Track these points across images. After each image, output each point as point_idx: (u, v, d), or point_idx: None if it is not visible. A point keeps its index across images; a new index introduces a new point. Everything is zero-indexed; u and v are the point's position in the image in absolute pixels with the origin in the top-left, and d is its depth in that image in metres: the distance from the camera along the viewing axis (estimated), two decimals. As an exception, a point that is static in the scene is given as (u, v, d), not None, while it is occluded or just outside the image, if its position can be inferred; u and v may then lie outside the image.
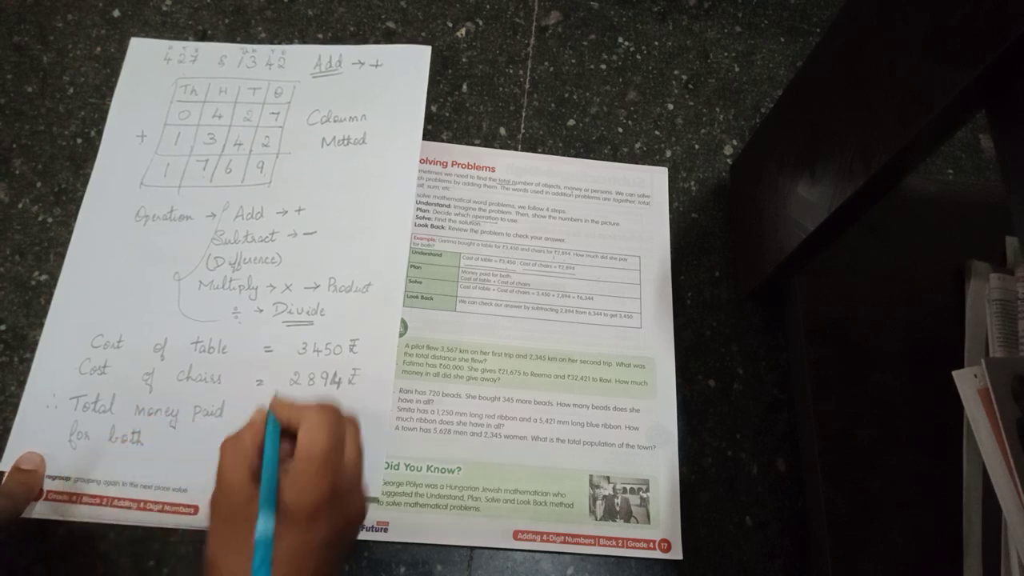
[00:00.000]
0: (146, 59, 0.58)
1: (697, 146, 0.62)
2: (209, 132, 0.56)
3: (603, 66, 0.64)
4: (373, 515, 0.47)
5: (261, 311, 0.50)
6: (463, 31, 0.64)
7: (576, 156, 0.60)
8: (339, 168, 0.54)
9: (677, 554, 0.48)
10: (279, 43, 0.61)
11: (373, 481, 0.47)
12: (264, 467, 0.36)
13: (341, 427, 0.38)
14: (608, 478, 0.50)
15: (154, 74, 0.58)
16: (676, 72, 0.64)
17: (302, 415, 0.37)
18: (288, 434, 0.38)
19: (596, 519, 0.49)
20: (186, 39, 0.60)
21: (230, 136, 0.56)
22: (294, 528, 0.34)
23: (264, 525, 0.34)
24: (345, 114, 0.56)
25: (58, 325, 0.49)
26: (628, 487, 0.49)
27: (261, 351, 0.49)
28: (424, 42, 0.62)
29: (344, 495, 0.36)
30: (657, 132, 0.62)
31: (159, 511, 0.46)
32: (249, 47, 0.59)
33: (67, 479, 0.46)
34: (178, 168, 0.54)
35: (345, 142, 0.55)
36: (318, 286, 0.51)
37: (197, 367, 0.48)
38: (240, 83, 0.58)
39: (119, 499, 0.46)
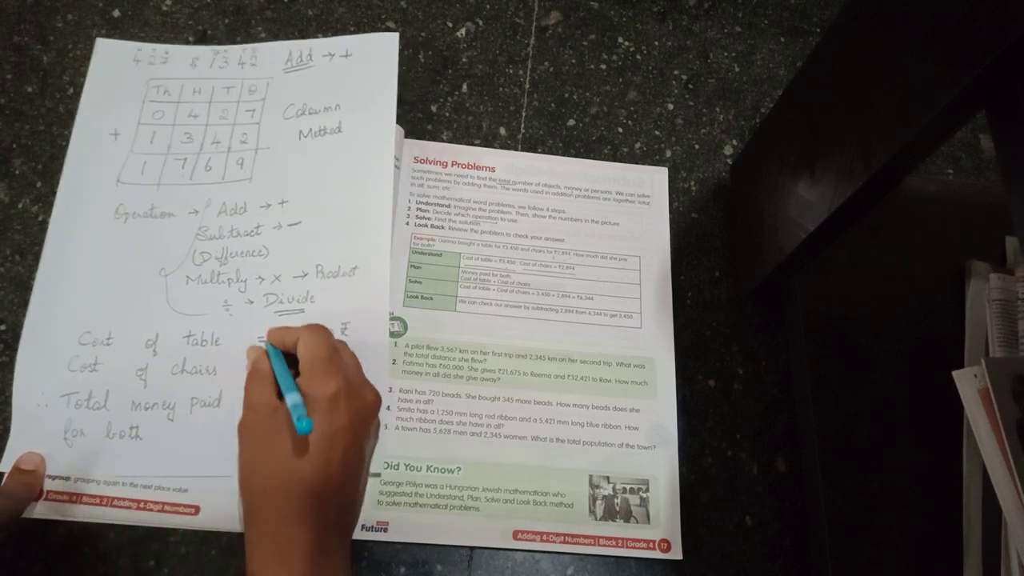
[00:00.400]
0: (113, 60, 0.58)
1: (697, 146, 0.62)
2: (186, 131, 0.56)
3: (603, 66, 0.64)
4: (373, 515, 0.47)
5: (252, 303, 0.50)
6: (463, 31, 0.64)
7: (576, 156, 0.60)
8: (318, 158, 0.54)
9: (677, 554, 0.48)
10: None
11: (372, 464, 0.47)
12: (275, 369, 0.41)
13: (333, 338, 0.43)
14: (608, 478, 0.50)
15: (123, 75, 0.57)
16: (676, 72, 0.64)
17: (297, 334, 0.43)
18: (289, 357, 0.43)
19: (596, 519, 0.49)
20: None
21: (207, 135, 0.56)
22: (318, 414, 0.38)
23: (293, 399, 0.38)
24: (320, 105, 0.56)
25: (37, 323, 0.49)
26: (628, 487, 0.49)
27: (255, 341, 0.49)
28: (424, 42, 0.62)
29: (354, 385, 0.41)
30: (657, 132, 0.62)
31: (159, 511, 0.46)
32: (220, 48, 0.59)
33: (67, 479, 0.46)
34: (156, 166, 0.54)
35: (322, 132, 0.55)
36: (306, 274, 0.51)
37: (191, 360, 0.49)
38: (214, 83, 0.57)
39: (119, 499, 0.46)
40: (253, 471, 0.39)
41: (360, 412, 0.40)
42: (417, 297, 0.53)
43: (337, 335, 0.49)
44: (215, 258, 0.51)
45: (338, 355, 0.41)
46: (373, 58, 0.57)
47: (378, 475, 0.48)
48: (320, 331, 0.43)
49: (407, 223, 0.56)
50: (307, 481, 0.37)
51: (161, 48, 0.59)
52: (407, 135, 0.59)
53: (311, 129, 0.55)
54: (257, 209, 0.53)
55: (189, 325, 0.49)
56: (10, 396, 0.48)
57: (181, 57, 0.58)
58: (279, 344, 0.44)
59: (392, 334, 0.52)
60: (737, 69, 0.65)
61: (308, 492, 0.37)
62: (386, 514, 0.47)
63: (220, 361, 0.48)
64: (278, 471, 0.38)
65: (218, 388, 0.48)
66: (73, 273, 0.51)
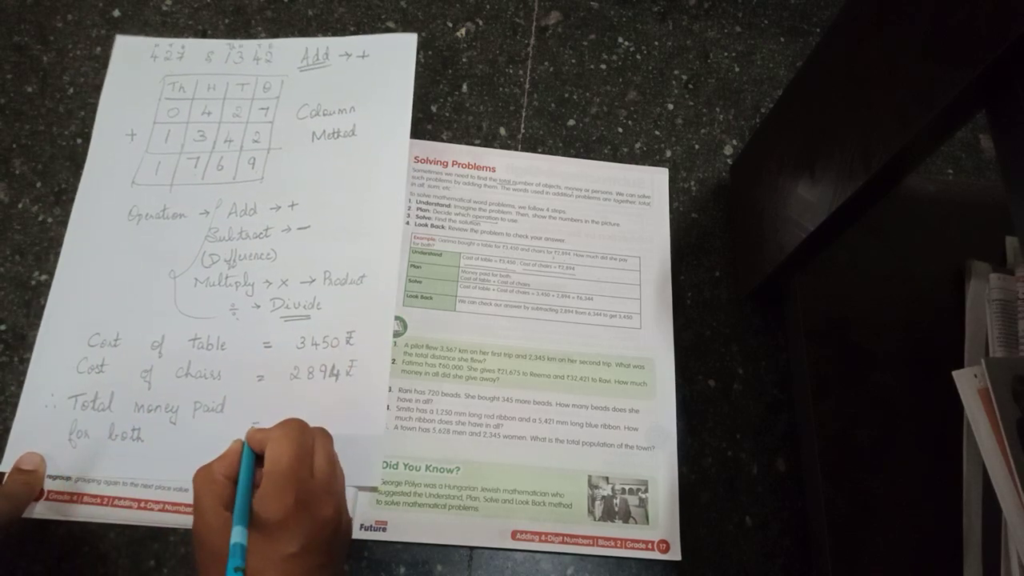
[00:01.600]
0: (132, 57, 0.58)
1: (697, 146, 0.62)
2: (199, 129, 0.56)
3: (603, 66, 0.64)
4: (371, 514, 0.47)
5: (258, 307, 0.50)
6: (463, 31, 0.64)
7: (576, 156, 0.60)
8: (330, 161, 0.54)
9: (676, 555, 0.48)
10: (279, 43, 0.61)
11: (372, 470, 0.47)
12: (238, 488, 0.37)
13: (306, 440, 0.39)
14: (607, 479, 0.50)
15: (141, 72, 0.57)
16: (676, 72, 0.64)
17: (268, 436, 0.39)
18: (262, 459, 0.39)
19: (595, 519, 0.49)
20: (186, 39, 0.60)
21: (220, 133, 0.56)
22: (263, 538, 0.35)
23: (236, 536, 0.34)
24: (334, 107, 0.56)
25: (54, 325, 0.49)
26: (627, 488, 0.49)
27: (260, 347, 0.49)
28: (424, 42, 0.62)
29: (313, 503, 0.37)
30: (657, 132, 0.62)
31: (160, 511, 0.46)
32: (236, 42, 0.59)
33: (68, 479, 0.46)
34: (169, 166, 0.54)
35: (335, 135, 0.55)
36: (314, 280, 0.51)
37: (196, 364, 0.48)
38: (228, 79, 0.57)
39: (120, 499, 0.46)
40: None
41: (316, 532, 0.37)
42: (417, 297, 0.53)
43: (342, 344, 0.49)
44: (224, 260, 0.51)
45: (301, 463, 0.38)
46: (390, 60, 0.57)
47: (375, 488, 0.48)
48: (287, 436, 0.38)
49: (407, 223, 0.56)
50: None
51: (178, 43, 0.59)
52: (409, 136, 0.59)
53: (324, 131, 0.55)
54: (267, 211, 0.53)
55: (195, 328, 0.49)
56: (10, 396, 0.48)
57: (197, 51, 0.58)
58: (256, 446, 0.39)
59: (392, 333, 0.52)
60: (737, 69, 0.65)
61: None
62: (385, 514, 0.47)
63: (225, 366, 0.48)
64: None
65: (222, 393, 0.48)
66: (87, 275, 0.51)
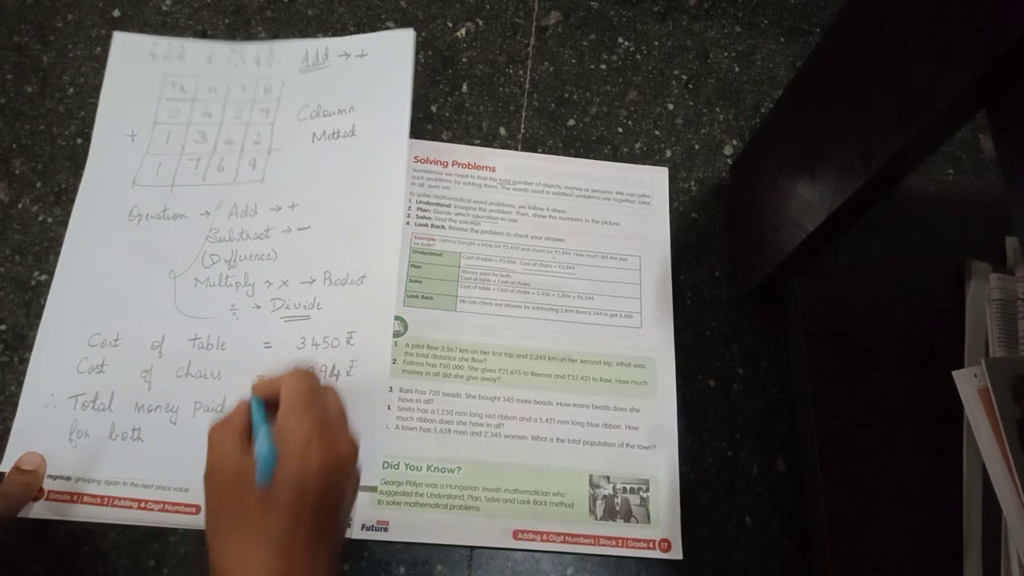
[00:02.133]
0: (131, 55, 0.58)
1: (697, 146, 0.62)
2: (200, 130, 0.56)
3: (603, 66, 0.64)
4: (372, 514, 0.47)
5: (259, 307, 0.50)
6: (463, 31, 0.64)
7: (576, 156, 0.60)
8: (330, 162, 0.54)
9: (677, 554, 0.48)
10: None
11: (371, 470, 0.47)
12: (253, 420, 0.38)
13: (318, 382, 0.40)
14: (608, 478, 0.50)
15: (140, 71, 0.57)
16: (676, 72, 0.64)
17: (282, 379, 0.39)
18: (273, 408, 0.39)
19: (596, 519, 0.49)
20: (185, 39, 0.60)
21: (221, 134, 0.56)
22: (288, 456, 0.36)
23: (260, 446, 0.35)
24: (334, 107, 0.56)
25: (54, 325, 0.49)
26: (628, 487, 0.49)
27: (260, 347, 0.49)
28: (424, 42, 0.62)
29: (331, 430, 0.38)
30: (657, 132, 0.62)
31: (160, 511, 0.46)
32: (237, 44, 0.59)
33: (68, 479, 0.46)
34: (170, 167, 0.54)
35: (335, 135, 0.55)
36: (314, 280, 0.51)
37: (196, 364, 0.48)
38: (229, 81, 0.57)
39: (120, 499, 0.46)
40: (216, 533, 0.36)
41: (333, 459, 0.37)
42: (417, 297, 0.54)
43: (343, 344, 0.49)
44: (224, 260, 0.51)
45: (318, 400, 0.39)
46: (388, 58, 0.57)
47: (375, 488, 0.48)
48: (302, 375, 0.39)
49: (407, 223, 0.56)
50: (275, 534, 0.35)
51: (177, 42, 0.58)
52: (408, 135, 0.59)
53: (324, 132, 0.55)
54: (267, 211, 0.53)
55: (195, 328, 0.49)
56: (10, 396, 0.48)
57: (197, 52, 0.58)
58: (266, 395, 0.40)
59: (393, 333, 0.52)
60: (737, 69, 0.65)
61: (279, 547, 0.35)
62: (386, 514, 0.47)
63: (225, 366, 0.48)
64: (248, 529, 0.35)
65: (222, 393, 0.48)
66: (87, 275, 0.51)
